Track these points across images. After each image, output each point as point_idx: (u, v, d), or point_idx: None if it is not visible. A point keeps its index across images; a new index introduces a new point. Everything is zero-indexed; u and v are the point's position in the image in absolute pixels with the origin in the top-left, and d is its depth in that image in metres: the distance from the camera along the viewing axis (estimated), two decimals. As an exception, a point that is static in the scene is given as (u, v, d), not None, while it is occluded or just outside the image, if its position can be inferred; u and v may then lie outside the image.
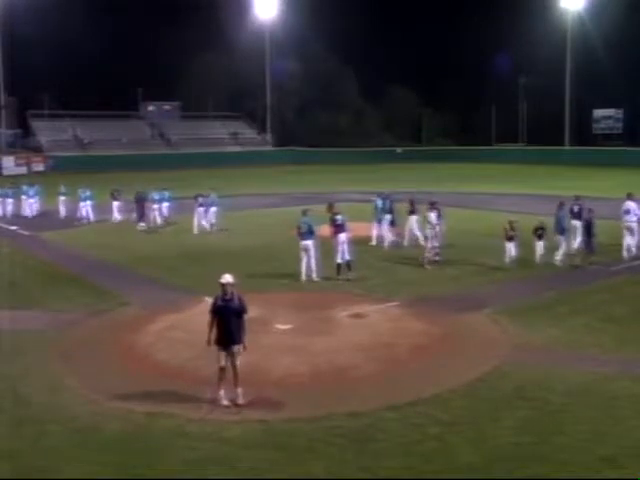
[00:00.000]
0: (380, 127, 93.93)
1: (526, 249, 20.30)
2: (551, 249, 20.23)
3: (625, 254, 20.75)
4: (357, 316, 15.31)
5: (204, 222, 27.95)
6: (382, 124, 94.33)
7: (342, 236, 18.86)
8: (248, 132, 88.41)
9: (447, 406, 10.31)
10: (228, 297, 10.53)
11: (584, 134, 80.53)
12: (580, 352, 12.80)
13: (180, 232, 28.00)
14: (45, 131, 76.90)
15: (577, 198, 21.58)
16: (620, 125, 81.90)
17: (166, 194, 30.92)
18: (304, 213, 19.19)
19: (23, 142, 76.42)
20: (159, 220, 29.97)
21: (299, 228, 18.63)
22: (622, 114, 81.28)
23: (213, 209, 28.19)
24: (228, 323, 10.49)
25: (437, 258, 20.67)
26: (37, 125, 78.54)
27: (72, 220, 31.79)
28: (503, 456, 8.82)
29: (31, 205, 34.71)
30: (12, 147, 73.56)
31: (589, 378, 11.35)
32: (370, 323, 14.83)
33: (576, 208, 20.91)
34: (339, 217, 19.22)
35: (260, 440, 9.32)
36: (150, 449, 9.11)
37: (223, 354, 10.54)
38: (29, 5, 70.44)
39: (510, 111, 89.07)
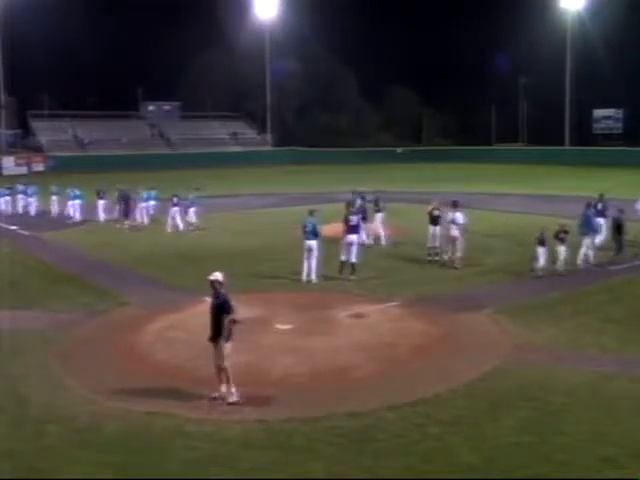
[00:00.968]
0: (380, 127, 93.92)
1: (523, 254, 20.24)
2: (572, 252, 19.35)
3: None
4: (357, 316, 15.30)
5: (179, 221, 28.38)
6: (382, 124, 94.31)
7: (353, 237, 18.91)
8: (248, 132, 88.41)
9: (447, 406, 10.31)
10: (214, 294, 10.64)
11: (584, 134, 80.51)
12: (580, 352, 12.80)
13: (163, 231, 28.33)
14: (45, 131, 76.90)
15: (601, 196, 21.88)
16: (620, 125, 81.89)
17: (153, 193, 31.08)
18: (310, 213, 19.14)
19: (23, 142, 76.45)
20: (145, 219, 30.22)
21: (304, 227, 18.61)
22: (622, 114, 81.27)
23: (193, 209, 28.60)
24: (212, 320, 10.60)
25: (437, 258, 20.69)
26: (37, 125, 78.53)
27: (64, 219, 32.27)
28: (503, 456, 8.81)
29: (31, 204, 35.37)
30: (12, 147, 73.57)
31: (589, 378, 11.35)
32: (370, 323, 14.82)
33: (600, 206, 21.13)
34: (354, 218, 19.29)
35: (260, 440, 9.32)
36: (150, 449, 9.11)
37: (214, 350, 10.64)
38: (29, 5, 70.40)
39: (510, 111, 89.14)
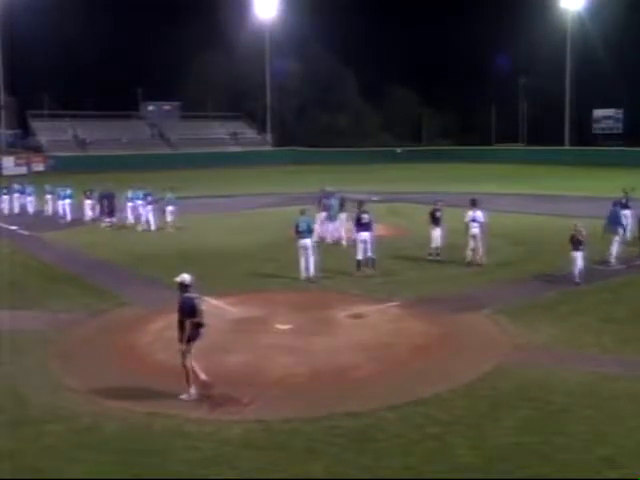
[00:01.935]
0: (380, 127, 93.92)
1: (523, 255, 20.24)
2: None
3: None
4: (357, 316, 15.30)
5: (151, 220, 28.91)
6: (382, 124, 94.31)
7: (365, 234, 19.24)
8: (248, 132, 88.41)
9: (447, 406, 10.30)
10: (180, 296, 10.78)
11: (584, 134, 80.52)
12: (580, 352, 12.79)
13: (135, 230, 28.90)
14: (45, 131, 76.90)
15: (625, 192, 23.28)
16: (620, 125, 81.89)
17: (140, 194, 31.16)
18: (302, 212, 19.37)
19: (23, 142, 76.42)
20: (131, 218, 30.42)
21: (297, 227, 18.77)
22: (622, 114, 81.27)
23: (170, 208, 28.88)
24: (178, 321, 10.71)
25: (439, 258, 20.70)
26: (37, 125, 78.53)
27: (58, 218, 32.71)
28: (503, 456, 8.80)
29: (29, 203, 35.99)
30: (12, 147, 73.55)
31: (589, 378, 11.35)
32: (370, 323, 14.82)
33: (624, 200, 22.53)
34: (365, 216, 19.54)
35: (260, 440, 9.31)
36: (150, 449, 9.10)
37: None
38: (29, 5, 70.42)
39: (510, 111, 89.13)
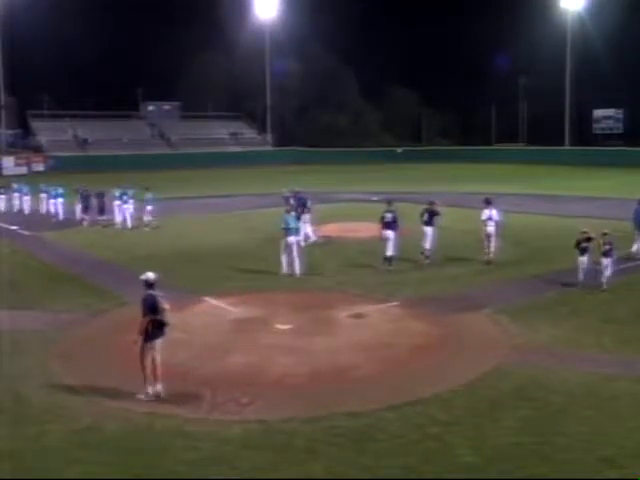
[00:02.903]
0: (380, 127, 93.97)
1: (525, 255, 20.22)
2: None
3: None
4: (357, 316, 15.30)
5: (128, 218, 29.40)
6: (382, 124, 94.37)
7: (389, 232, 19.87)
8: (248, 132, 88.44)
9: (447, 406, 10.30)
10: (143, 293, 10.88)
11: (584, 134, 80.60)
12: (580, 352, 12.79)
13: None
14: (45, 131, 76.93)
15: None
16: (620, 125, 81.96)
17: (129, 192, 31.19)
18: (287, 212, 20.07)
19: (23, 142, 76.43)
20: (118, 217, 30.52)
21: (287, 225, 19.37)
22: (622, 114, 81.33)
23: (149, 207, 29.33)
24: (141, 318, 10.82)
25: (428, 261, 20.49)
26: (37, 125, 78.57)
27: (51, 217, 32.99)
28: (503, 456, 8.81)
29: (26, 202, 36.26)
30: (12, 147, 73.57)
31: (589, 378, 11.34)
32: (370, 323, 14.82)
33: None
34: (389, 215, 20.08)
35: (260, 440, 9.31)
36: (150, 449, 9.10)
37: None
38: (29, 5, 70.43)
39: (510, 111, 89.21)
